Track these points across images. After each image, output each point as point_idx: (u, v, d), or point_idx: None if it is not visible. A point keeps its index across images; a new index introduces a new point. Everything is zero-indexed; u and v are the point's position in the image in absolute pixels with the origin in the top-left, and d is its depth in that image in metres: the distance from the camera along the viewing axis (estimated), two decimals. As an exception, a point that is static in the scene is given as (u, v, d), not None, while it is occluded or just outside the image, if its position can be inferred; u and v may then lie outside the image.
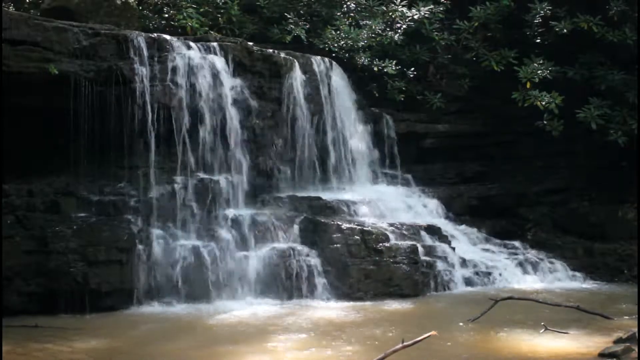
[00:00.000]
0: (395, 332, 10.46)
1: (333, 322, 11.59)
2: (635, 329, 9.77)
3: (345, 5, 18.92)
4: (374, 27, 17.87)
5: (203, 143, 14.39)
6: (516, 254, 16.17)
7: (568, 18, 16.98)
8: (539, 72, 16.72)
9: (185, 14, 16.77)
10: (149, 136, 13.79)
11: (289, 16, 17.96)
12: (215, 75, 14.60)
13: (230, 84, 14.80)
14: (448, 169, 18.52)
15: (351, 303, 13.05)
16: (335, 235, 13.93)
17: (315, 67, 16.18)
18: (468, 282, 14.69)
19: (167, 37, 14.66)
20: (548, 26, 17.28)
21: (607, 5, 16.83)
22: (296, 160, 15.82)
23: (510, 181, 18.46)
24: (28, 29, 12.84)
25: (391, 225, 14.88)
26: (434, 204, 17.01)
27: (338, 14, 18.57)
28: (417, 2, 18.48)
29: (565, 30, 16.86)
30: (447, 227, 16.25)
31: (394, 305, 12.95)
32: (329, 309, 12.59)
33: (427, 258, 14.44)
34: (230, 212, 14.09)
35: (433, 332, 8.47)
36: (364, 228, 14.27)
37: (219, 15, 17.57)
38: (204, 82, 14.43)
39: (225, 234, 13.64)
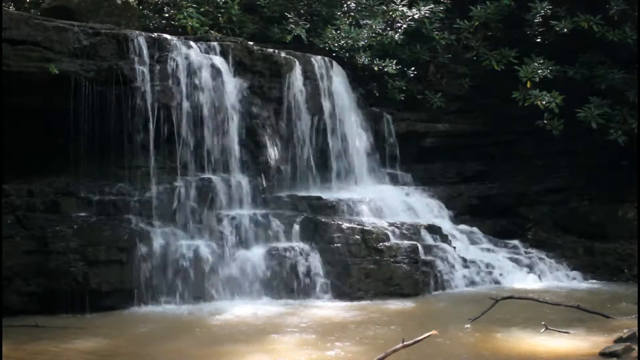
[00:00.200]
0: (395, 332, 10.46)
1: (333, 321, 11.59)
2: (636, 329, 9.77)
3: (345, 5, 18.92)
4: (374, 27, 17.86)
5: (203, 143, 14.39)
6: (516, 253, 16.19)
7: (568, 17, 16.98)
8: (539, 71, 16.72)
9: (185, 14, 16.77)
10: (149, 136, 13.79)
11: (289, 16, 17.96)
12: (215, 74, 14.60)
13: (230, 83, 14.79)
14: (448, 168, 18.53)
15: (351, 302, 13.05)
16: (335, 235, 13.93)
17: (315, 66, 16.18)
18: (468, 281, 14.69)
19: (168, 36, 14.65)
20: (548, 25, 17.27)
21: (607, 4, 16.83)
22: (296, 160, 15.82)
23: (511, 180, 18.46)
24: (28, 29, 12.83)
25: (391, 224, 14.89)
26: (434, 203, 17.01)
27: (338, 13, 18.57)
28: (417, 1, 18.47)
29: (565, 30, 16.85)
30: (447, 226, 16.25)
31: (394, 305, 12.95)
32: (329, 309, 12.59)
33: (428, 257, 14.45)
34: (231, 212, 14.08)
35: (433, 332, 8.47)
36: (365, 227, 14.27)
37: (220, 15, 17.56)
38: (204, 81, 14.42)
39: (225, 233, 13.64)
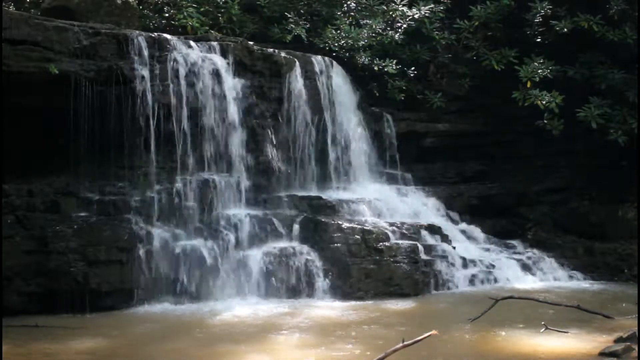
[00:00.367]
0: (395, 332, 10.45)
1: (333, 321, 11.59)
2: (636, 328, 9.77)
3: (345, 5, 18.91)
4: (374, 27, 17.86)
5: (203, 142, 14.39)
6: (516, 253, 16.22)
7: (568, 17, 16.98)
8: (539, 71, 16.72)
9: (185, 14, 16.76)
10: (149, 136, 13.79)
11: (289, 15, 17.96)
12: (215, 74, 14.59)
13: (230, 83, 14.79)
14: (448, 168, 18.53)
15: (351, 302, 13.05)
16: (335, 235, 13.93)
17: (315, 66, 16.18)
18: (468, 281, 14.70)
19: (168, 36, 14.65)
20: (548, 25, 17.27)
21: (607, 4, 16.83)
22: (296, 160, 15.82)
23: (511, 180, 18.47)
24: (28, 29, 12.83)
25: (391, 224, 14.89)
26: (434, 203, 17.03)
27: (338, 13, 18.57)
28: (417, 1, 18.47)
29: (565, 30, 16.86)
30: (447, 226, 16.26)
31: (394, 305, 12.94)
32: (329, 309, 12.59)
33: (428, 257, 14.46)
34: (231, 212, 14.09)
35: (433, 332, 8.47)
36: (365, 227, 14.27)
37: (220, 15, 17.56)
38: (204, 81, 14.42)
39: (225, 233, 13.65)
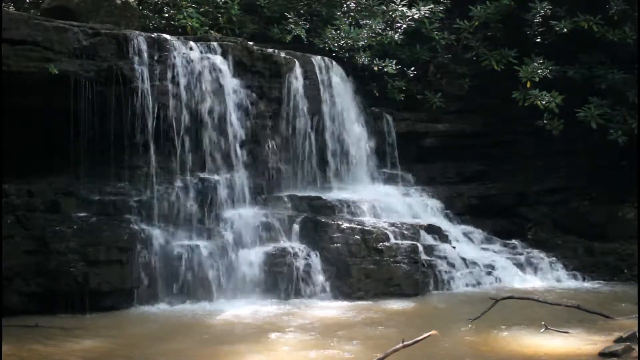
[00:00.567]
0: (395, 332, 10.46)
1: (333, 321, 11.59)
2: (636, 328, 9.77)
3: (345, 5, 18.91)
4: (374, 27, 17.86)
5: (203, 143, 14.39)
6: (516, 253, 16.19)
7: (568, 17, 16.98)
8: (539, 71, 16.72)
9: (185, 14, 16.77)
10: (149, 136, 13.79)
11: (289, 16, 17.96)
12: (215, 75, 14.60)
13: (230, 83, 14.79)
14: (448, 168, 18.53)
15: (351, 303, 13.04)
16: (335, 235, 13.93)
17: (315, 66, 16.18)
18: (468, 281, 14.68)
19: (167, 36, 14.65)
20: (548, 25, 17.28)
21: (607, 4, 16.84)
22: (296, 160, 15.82)
23: (511, 180, 18.48)
24: (28, 29, 12.82)
25: (391, 224, 14.88)
26: (434, 203, 17.02)
27: (338, 13, 18.57)
28: (417, 1, 18.48)
29: (565, 30, 16.86)
30: (447, 226, 16.26)
31: (394, 305, 12.94)
32: (329, 309, 12.59)
33: (428, 257, 14.45)
34: (230, 212, 14.10)
35: (433, 332, 8.47)
36: (364, 227, 14.27)
37: (219, 15, 17.56)
38: (204, 81, 14.42)
39: (225, 233, 13.65)
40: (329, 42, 17.44)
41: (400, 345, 8.17)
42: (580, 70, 17.20)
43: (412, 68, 18.08)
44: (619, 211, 17.12)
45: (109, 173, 13.68)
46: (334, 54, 17.31)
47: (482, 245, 16.37)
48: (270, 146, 15.38)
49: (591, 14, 16.84)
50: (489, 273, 15.01)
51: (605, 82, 16.86)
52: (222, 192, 14.20)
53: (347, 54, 17.54)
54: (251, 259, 13.44)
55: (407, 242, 14.40)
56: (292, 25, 17.73)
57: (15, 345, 9.77)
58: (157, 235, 13.11)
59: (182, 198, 13.75)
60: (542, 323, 10.52)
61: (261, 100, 15.37)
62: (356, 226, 14.24)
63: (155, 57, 14.08)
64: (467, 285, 14.60)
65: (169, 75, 14.05)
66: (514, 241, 16.85)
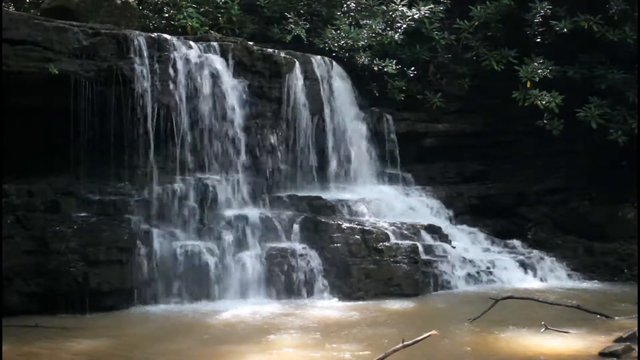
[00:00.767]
0: (395, 332, 10.45)
1: (333, 321, 11.59)
2: (636, 328, 9.77)
3: (345, 5, 18.92)
4: (374, 27, 17.87)
5: (203, 143, 14.40)
6: (516, 253, 16.20)
7: (568, 17, 16.99)
8: (539, 71, 16.73)
9: (185, 14, 16.78)
10: (149, 136, 13.80)
11: (289, 16, 17.96)
12: (215, 75, 14.61)
13: (230, 83, 14.80)
14: (448, 168, 18.54)
15: (351, 302, 13.05)
16: (335, 235, 13.93)
17: (315, 66, 16.19)
18: (468, 281, 14.70)
19: (167, 36, 14.65)
20: (548, 25, 17.28)
21: (607, 4, 16.84)
22: (296, 160, 15.83)
23: (511, 180, 18.48)
24: (28, 29, 12.83)
25: (391, 224, 14.89)
26: (434, 203, 17.03)
27: (338, 13, 18.58)
28: (417, 1, 18.48)
29: (565, 30, 16.87)
30: (447, 226, 16.27)
31: (394, 305, 12.94)
32: (330, 309, 12.59)
33: (428, 257, 14.45)
34: (230, 212, 14.09)
35: (433, 332, 8.47)
36: (364, 227, 14.27)
37: (219, 15, 17.57)
38: (204, 81, 14.43)
39: (225, 233, 13.64)
40: (329, 42, 17.45)
41: (400, 345, 8.17)
42: (580, 70, 17.21)
43: (412, 68, 18.08)
44: (619, 211, 17.12)
45: (109, 173, 13.69)
46: (334, 54, 17.32)
47: (482, 245, 16.37)
48: (270, 146, 15.38)
49: (591, 14, 16.84)
50: (489, 273, 15.02)
51: (605, 82, 16.86)
52: (222, 192, 14.21)
53: (347, 54, 17.55)
54: (251, 259, 13.44)
55: (407, 242, 14.40)
56: (292, 25, 17.74)
57: (15, 345, 9.77)
58: (157, 235, 13.11)
59: (182, 198, 13.75)
60: (542, 323, 10.52)
61: (261, 100, 15.38)
62: (356, 226, 14.24)
63: (155, 57, 14.10)
64: (467, 285, 14.61)
65: (169, 75, 14.06)
66: (514, 241, 16.86)
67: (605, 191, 17.70)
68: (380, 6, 18.61)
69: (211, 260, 13.18)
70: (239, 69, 15.07)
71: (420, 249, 14.38)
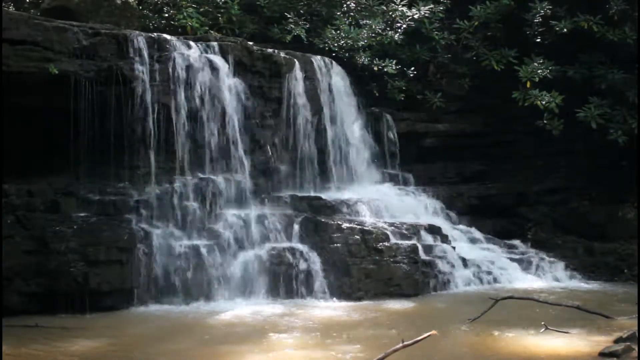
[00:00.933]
0: (395, 332, 10.45)
1: (333, 321, 11.59)
2: (636, 328, 9.77)
3: (345, 5, 18.92)
4: (374, 27, 17.87)
5: (203, 142, 14.39)
6: (516, 253, 16.21)
7: (568, 17, 16.99)
8: (539, 71, 16.73)
9: (185, 14, 16.77)
10: (149, 136, 13.80)
11: (289, 16, 17.97)
12: (215, 74, 14.60)
13: (230, 83, 14.80)
14: (448, 168, 18.54)
15: (351, 303, 13.05)
16: (335, 235, 13.93)
17: (315, 66, 16.19)
18: (468, 281, 14.69)
19: (167, 36, 14.65)
20: (548, 25, 17.29)
21: (607, 4, 16.85)
22: (296, 160, 15.82)
23: (511, 180, 18.49)
24: (28, 29, 12.83)
25: (391, 224, 14.88)
26: (434, 203, 17.02)
27: (338, 13, 18.58)
28: (417, 1, 18.48)
29: (565, 30, 16.87)
30: (447, 226, 16.25)
31: (394, 305, 12.95)
32: (329, 309, 12.59)
33: (428, 257, 14.45)
34: (230, 212, 14.08)
35: (433, 332, 8.47)
36: (364, 227, 14.27)
37: (219, 15, 17.57)
38: (204, 81, 14.42)
39: (225, 233, 13.64)
40: (329, 42, 17.45)
41: (400, 345, 8.17)
42: (580, 70, 17.21)
43: (412, 68, 18.09)
44: (619, 211, 17.13)
45: (109, 173, 13.68)
46: (334, 54, 17.33)
47: (482, 245, 16.37)
48: (270, 146, 15.38)
49: (591, 14, 16.84)
50: (489, 273, 15.02)
51: (605, 82, 16.86)
52: (222, 192, 14.19)
53: (347, 54, 17.55)
54: (251, 259, 13.44)
55: (407, 242, 14.40)
56: (292, 25, 17.74)
57: (15, 345, 9.77)
58: (157, 235, 13.10)
59: (182, 198, 13.74)
60: (542, 323, 10.52)
61: (261, 100, 15.38)
62: (356, 226, 14.24)
63: (155, 57, 14.09)
64: (467, 285, 14.61)
65: (169, 75, 14.04)
66: (514, 241, 16.87)
67: (605, 191, 17.71)
68: (380, 6, 18.61)
69: (211, 261, 13.17)
70: (239, 69, 15.07)
71: (420, 249, 14.38)
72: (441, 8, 18.44)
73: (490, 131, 18.38)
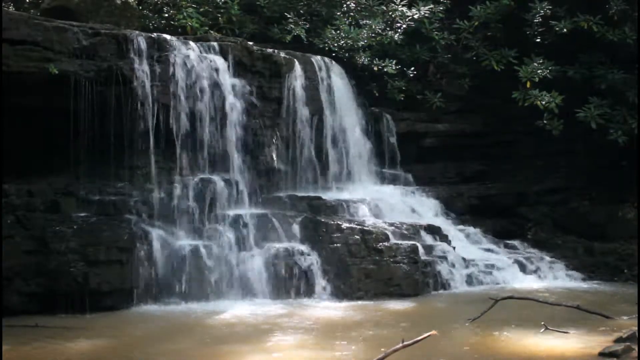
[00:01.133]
0: (395, 332, 10.45)
1: (333, 321, 11.60)
2: (636, 328, 9.77)
3: (345, 5, 18.93)
4: (374, 27, 17.88)
5: (203, 143, 14.40)
6: (516, 253, 16.22)
7: (568, 17, 16.99)
8: (539, 71, 16.74)
9: (185, 14, 16.78)
10: (149, 136, 13.80)
11: (289, 16, 17.97)
12: (215, 75, 14.60)
13: (230, 83, 14.80)
14: (448, 168, 18.55)
15: (351, 303, 13.05)
16: (335, 235, 13.93)
17: (315, 66, 16.20)
18: (468, 281, 14.69)
19: (167, 36, 14.66)
20: (548, 25, 17.29)
21: (607, 4, 16.85)
22: (296, 160, 15.83)
23: (511, 180, 18.49)
24: (28, 29, 12.84)
25: (391, 224, 14.89)
26: (434, 203, 17.03)
27: (338, 13, 18.59)
28: (417, 1, 18.49)
29: (565, 30, 16.88)
30: (447, 226, 16.26)
31: (394, 305, 12.94)
32: (329, 309, 12.59)
33: (427, 257, 14.45)
34: (230, 212, 14.09)
35: (433, 332, 8.46)
36: (364, 228, 14.27)
37: (219, 15, 17.57)
38: (203, 81, 14.43)
39: (225, 233, 13.64)
40: (329, 42, 17.45)
41: (400, 345, 8.16)
42: (580, 70, 17.21)
43: (412, 68, 18.09)
44: (619, 211, 17.13)
45: (109, 173, 13.69)
46: (334, 54, 17.33)
47: (482, 245, 16.38)
48: (270, 146, 15.39)
49: (591, 14, 16.84)
50: (489, 273, 15.02)
51: (605, 82, 16.87)
52: (222, 192, 14.20)
53: (347, 54, 17.56)
54: (251, 259, 13.44)
55: (407, 242, 14.40)
56: (292, 25, 17.74)
57: (15, 345, 9.77)
58: (157, 235, 13.10)
59: (182, 198, 13.75)
60: (542, 323, 10.51)
61: (261, 100, 15.38)
62: (356, 226, 14.24)
63: (155, 57, 14.10)
64: (466, 285, 14.61)
65: (169, 75, 14.05)
66: (514, 241, 16.87)
67: (605, 191, 17.71)
68: (380, 6, 18.62)
69: (211, 261, 13.17)
70: (239, 69, 15.08)
71: (420, 249, 14.38)
72: (441, 8, 18.45)
73: (490, 131, 18.39)
